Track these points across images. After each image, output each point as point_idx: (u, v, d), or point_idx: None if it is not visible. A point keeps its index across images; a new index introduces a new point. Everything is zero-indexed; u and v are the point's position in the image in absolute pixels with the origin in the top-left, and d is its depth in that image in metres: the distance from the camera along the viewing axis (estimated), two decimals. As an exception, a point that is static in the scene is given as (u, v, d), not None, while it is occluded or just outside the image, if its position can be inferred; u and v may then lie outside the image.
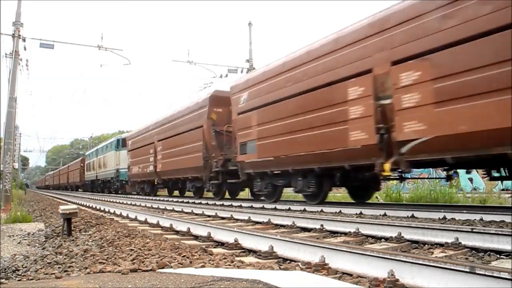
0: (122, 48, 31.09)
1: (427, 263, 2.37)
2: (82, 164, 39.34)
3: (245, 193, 17.51)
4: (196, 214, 7.95)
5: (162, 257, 3.18)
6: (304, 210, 7.82)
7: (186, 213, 8.44)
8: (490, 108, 5.41)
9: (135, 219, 7.03)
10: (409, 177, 11.37)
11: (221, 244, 4.21)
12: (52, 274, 2.82)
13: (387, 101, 6.88)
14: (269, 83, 10.12)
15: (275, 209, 8.53)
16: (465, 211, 5.93)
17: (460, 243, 3.60)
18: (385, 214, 6.45)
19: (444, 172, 8.83)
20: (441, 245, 3.75)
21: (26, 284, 2.56)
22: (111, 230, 5.29)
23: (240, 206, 9.62)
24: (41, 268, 3.13)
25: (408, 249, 3.74)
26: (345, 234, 4.65)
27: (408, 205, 9.27)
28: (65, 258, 3.49)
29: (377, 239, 4.31)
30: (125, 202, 13.85)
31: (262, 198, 11.56)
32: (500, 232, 3.59)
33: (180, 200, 13.93)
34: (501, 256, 3.32)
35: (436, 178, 13.61)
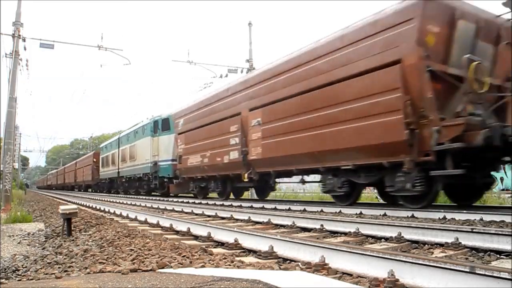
0: (122, 48, 31.06)
1: (427, 263, 2.37)
2: (95, 159, 32.65)
3: (246, 193, 17.37)
4: (196, 214, 7.95)
5: (162, 257, 3.18)
6: (304, 210, 7.82)
7: (186, 213, 8.44)
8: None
9: (135, 219, 7.03)
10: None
11: (221, 244, 4.21)
12: (52, 274, 2.82)
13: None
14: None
15: (275, 209, 8.53)
16: (465, 211, 5.93)
17: (460, 243, 3.60)
18: (385, 214, 6.45)
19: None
20: (441, 245, 3.75)
21: (26, 284, 2.56)
22: (111, 230, 5.29)
23: (240, 206, 9.62)
24: (41, 268, 3.13)
25: (408, 249, 3.74)
26: (345, 234, 4.65)
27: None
28: (65, 258, 3.49)
29: (377, 239, 4.31)
30: (125, 202, 13.85)
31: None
32: (500, 232, 3.59)
33: (180, 200, 13.92)
34: (501, 256, 3.32)
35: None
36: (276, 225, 5.78)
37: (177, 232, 5.17)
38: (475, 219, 5.20)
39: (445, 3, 6.96)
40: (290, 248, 3.42)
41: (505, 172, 8.15)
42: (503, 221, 4.95)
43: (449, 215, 5.63)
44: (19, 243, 4.92)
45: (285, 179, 15.18)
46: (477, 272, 2.12)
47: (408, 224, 4.53)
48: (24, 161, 66.35)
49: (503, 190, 14.97)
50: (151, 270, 2.75)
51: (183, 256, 3.25)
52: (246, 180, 11.69)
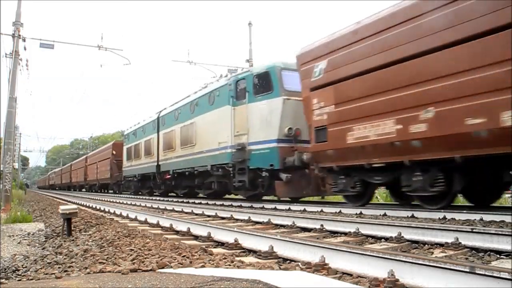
0: (122, 48, 31.00)
1: (427, 263, 2.37)
2: (114, 152, 25.90)
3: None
4: (196, 214, 7.95)
5: (162, 257, 3.18)
6: (304, 210, 7.82)
7: (186, 213, 8.44)
8: None
9: (135, 219, 7.03)
10: None
11: (221, 244, 4.21)
12: (52, 274, 2.82)
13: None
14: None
15: (275, 209, 8.53)
16: (465, 211, 5.93)
17: (460, 243, 3.60)
18: (385, 214, 6.44)
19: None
20: (441, 245, 3.75)
21: (26, 284, 2.56)
22: (111, 230, 5.29)
23: (240, 206, 9.62)
24: (41, 268, 3.13)
25: (408, 249, 3.74)
26: (345, 234, 4.65)
27: (408, 205, 9.27)
28: (65, 258, 3.49)
29: (377, 239, 4.31)
30: (125, 202, 13.85)
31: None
32: (500, 232, 3.59)
33: (180, 200, 13.92)
34: (501, 256, 3.32)
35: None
36: (276, 225, 5.78)
37: (177, 232, 5.17)
38: (475, 219, 5.20)
39: None
40: (290, 248, 3.42)
41: None
42: (503, 221, 4.95)
43: (449, 215, 5.63)
44: (19, 243, 4.92)
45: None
46: (477, 272, 2.12)
47: (408, 224, 4.53)
48: (24, 161, 66.31)
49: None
50: (151, 270, 2.75)
51: (183, 256, 3.25)
52: None
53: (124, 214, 8.05)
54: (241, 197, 12.70)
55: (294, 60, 9.64)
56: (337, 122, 8.16)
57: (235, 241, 3.97)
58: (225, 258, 3.18)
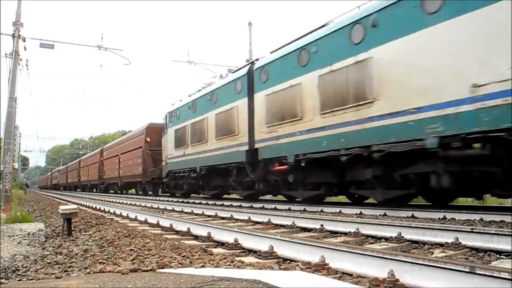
0: (122, 48, 31.06)
1: (427, 263, 2.37)
2: (149, 139, 19.20)
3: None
4: (196, 214, 7.95)
5: (162, 257, 3.19)
6: (304, 210, 7.82)
7: (186, 213, 8.44)
8: None
9: (135, 219, 7.03)
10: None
11: (221, 244, 4.21)
12: (52, 274, 2.82)
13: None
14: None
15: (275, 209, 8.53)
16: (465, 211, 5.93)
17: (460, 243, 3.60)
18: (385, 214, 6.45)
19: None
20: (441, 245, 3.75)
21: (26, 284, 2.56)
22: (111, 230, 5.29)
23: (240, 206, 9.62)
24: (41, 268, 3.13)
25: (408, 249, 3.74)
26: (345, 234, 4.65)
27: (408, 205, 9.27)
28: (65, 258, 3.49)
29: (377, 239, 4.31)
30: (125, 202, 13.85)
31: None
32: (500, 232, 3.60)
33: (180, 200, 13.92)
34: (501, 256, 3.32)
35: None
36: (276, 225, 5.78)
37: (177, 232, 5.17)
38: (475, 219, 5.20)
39: None
40: (290, 248, 3.42)
41: None
42: (503, 221, 4.95)
43: (449, 215, 5.63)
44: (19, 243, 4.92)
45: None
46: (477, 272, 2.12)
47: (408, 224, 4.53)
48: (24, 161, 66.31)
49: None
50: (151, 270, 2.75)
51: (183, 256, 3.25)
52: None
53: (124, 214, 8.05)
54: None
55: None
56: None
57: (235, 241, 3.97)
58: (225, 258, 3.18)
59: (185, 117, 15.00)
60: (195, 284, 2.19)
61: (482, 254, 3.41)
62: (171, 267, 2.83)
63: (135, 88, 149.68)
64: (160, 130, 18.28)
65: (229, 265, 2.95)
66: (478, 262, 3.08)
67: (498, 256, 3.34)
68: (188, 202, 12.07)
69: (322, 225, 5.10)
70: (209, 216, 7.51)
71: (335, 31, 8.16)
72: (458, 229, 3.96)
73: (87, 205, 12.39)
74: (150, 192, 20.23)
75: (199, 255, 3.34)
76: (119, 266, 2.93)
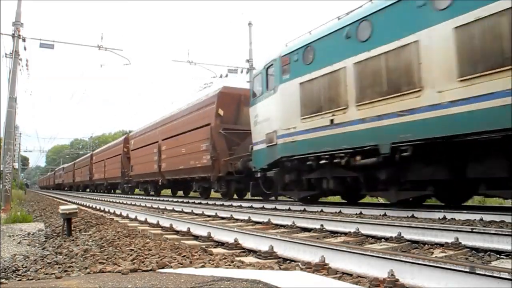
0: (122, 48, 30.96)
1: (427, 263, 2.37)
2: (221, 112, 12.56)
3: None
4: (196, 214, 7.95)
5: (162, 257, 3.19)
6: (304, 210, 7.82)
7: (186, 213, 8.44)
8: None
9: (135, 219, 7.03)
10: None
11: (221, 244, 4.21)
12: (52, 274, 2.82)
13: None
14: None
15: (275, 209, 8.53)
16: (465, 211, 5.93)
17: (460, 243, 3.60)
18: (385, 214, 6.45)
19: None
20: (441, 245, 3.75)
21: (26, 284, 2.55)
22: (111, 230, 5.29)
23: (240, 206, 9.62)
24: (41, 268, 3.13)
25: (408, 249, 3.74)
26: (345, 234, 4.65)
27: (408, 205, 9.25)
28: (65, 258, 3.49)
29: (377, 239, 4.31)
30: (125, 202, 13.85)
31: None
32: (500, 232, 3.59)
33: (180, 200, 13.92)
34: (501, 256, 3.32)
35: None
36: (276, 225, 5.78)
37: (177, 232, 5.17)
38: (475, 219, 5.20)
39: None
40: (290, 248, 3.42)
41: None
42: (503, 221, 4.95)
43: (449, 215, 5.63)
44: (19, 243, 4.92)
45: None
46: (477, 272, 2.12)
47: (408, 224, 4.53)
48: (24, 161, 66.27)
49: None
50: (151, 270, 2.75)
51: (183, 256, 3.25)
52: None
53: (124, 214, 8.05)
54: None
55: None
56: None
57: (235, 241, 3.97)
58: (225, 258, 3.18)
59: (336, 54, 7.96)
60: (195, 284, 2.19)
61: (482, 254, 3.41)
62: (171, 267, 2.83)
63: (135, 88, 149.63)
64: (238, 99, 12.62)
65: (229, 265, 2.95)
66: (478, 262, 3.08)
67: (498, 256, 3.34)
68: (188, 202, 12.08)
69: (322, 225, 5.10)
70: (209, 216, 7.51)
71: None
72: (458, 229, 3.96)
73: (87, 205, 12.39)
74: (220, 193, 13.34)
75: (199, 255, 3.34)
76: (119, 266, 2.93)
